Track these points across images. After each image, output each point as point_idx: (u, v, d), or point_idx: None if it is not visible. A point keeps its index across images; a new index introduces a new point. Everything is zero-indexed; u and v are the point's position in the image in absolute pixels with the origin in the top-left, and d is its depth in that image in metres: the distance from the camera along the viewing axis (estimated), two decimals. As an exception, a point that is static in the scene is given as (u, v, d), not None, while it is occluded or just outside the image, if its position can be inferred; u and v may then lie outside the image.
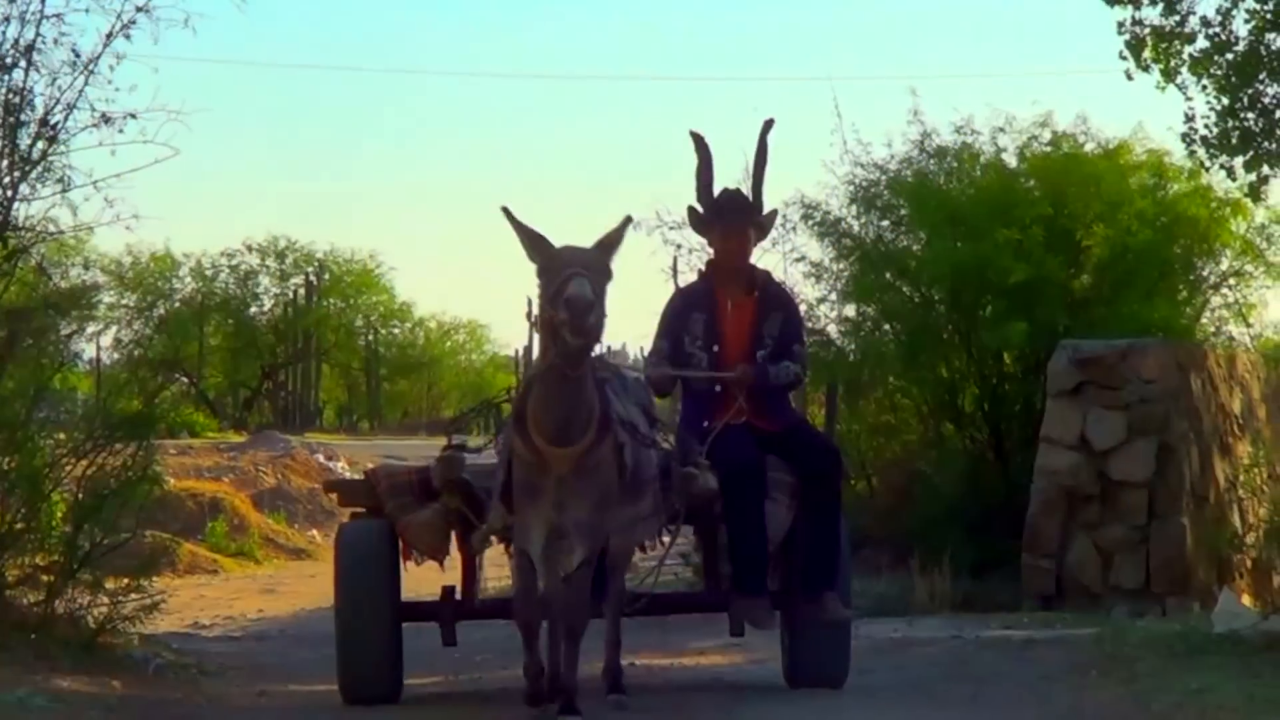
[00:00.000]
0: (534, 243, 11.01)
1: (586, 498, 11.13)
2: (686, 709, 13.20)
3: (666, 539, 13.34)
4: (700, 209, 13.18)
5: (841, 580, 12.91)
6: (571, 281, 10.45)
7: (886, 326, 23.46)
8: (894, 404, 24.28)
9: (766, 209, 13.40)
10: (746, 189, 13.51)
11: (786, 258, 23.91)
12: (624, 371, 13.06)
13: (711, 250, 13.63)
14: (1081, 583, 19.61)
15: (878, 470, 24.55)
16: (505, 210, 11.23)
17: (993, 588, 20.01)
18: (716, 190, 13.19)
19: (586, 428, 10.94)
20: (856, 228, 23.46)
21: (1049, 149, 23.28)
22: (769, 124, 13.23)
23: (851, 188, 23.44)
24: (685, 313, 13.10)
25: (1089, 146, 23.34)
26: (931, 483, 22.66)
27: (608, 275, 11.02)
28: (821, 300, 24.13)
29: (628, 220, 11.29)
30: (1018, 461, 21.25)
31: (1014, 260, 21.66)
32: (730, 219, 12.98)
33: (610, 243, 11.14)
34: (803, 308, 22.87)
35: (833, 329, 24.14)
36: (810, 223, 23.46)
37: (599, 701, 12.17)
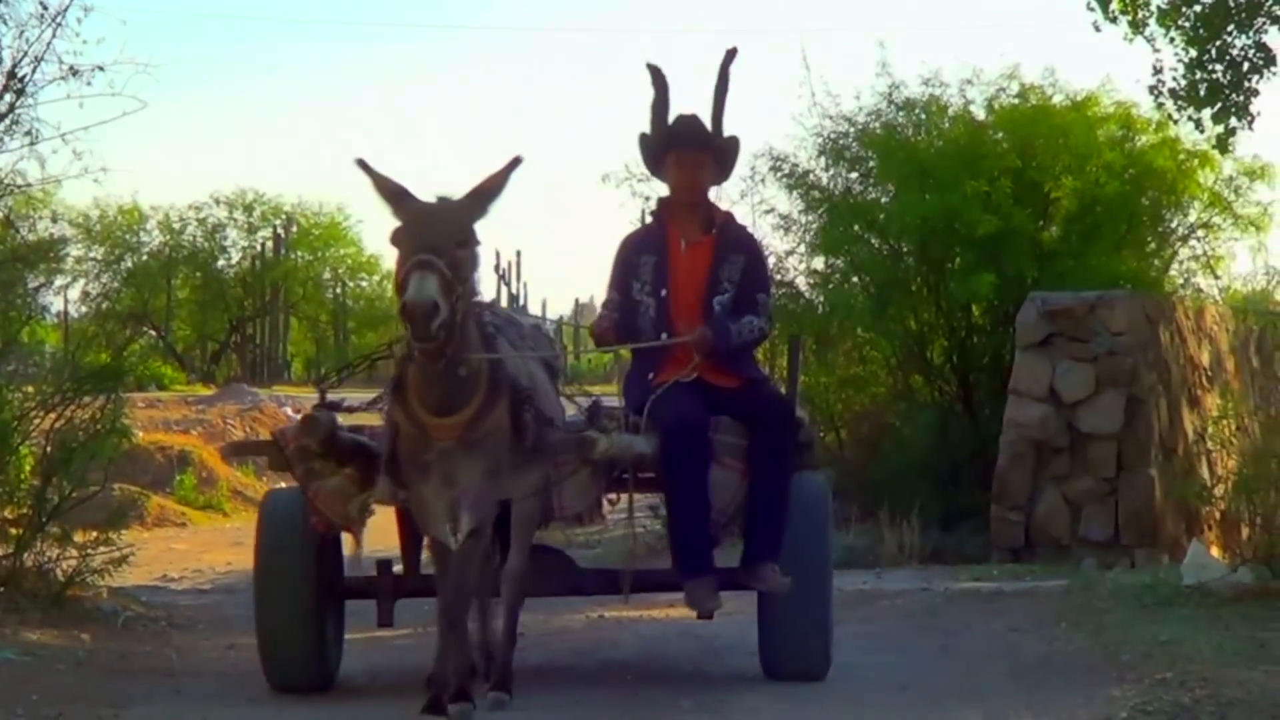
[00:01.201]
0: (392, 198, 9.77)
1: (478, 468, 10.02)
2: (655, 665, 12.91)
3: (624, 510, 12.18)
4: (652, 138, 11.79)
5: (809, 563, 11.49)
6: (410, 278, 9.31)
7: (855, 279, 23.45)
8: (863, 356, 24.31)
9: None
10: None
11: (755, 209, 23.92)
12: (518, 318, 11.77)
13: (666, 186, 12.00)
14: (1050, 535, 19.77)
15: (846, 423, 24.57)
16: (360, 162, 9.99)
17: (961, 540, 20.18)
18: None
19: (473, 394, 9.84)
20: (825, 180, 23.57)
21: (1017, 101, 23.41)
22: (731, 53, 11.71)
23: (820, 140, 23.49)
24: (634, 256, 11.75)
25: (1057, 99, 23.46)
26: (900, 435, 22.85)
27: (469, 243, 9.78)
28: (790, 253, 24.22)
29: (514, 162, 9.85)
30: (986, 414, 21.42)
31: (982, 212, 21.75)
32: (684, 144, 11.50)
33: (486, 191, 9.84)
34: (771, 260, 23.28)
35: (801, 281, 24.26)
36: (779, 175, 23.54)
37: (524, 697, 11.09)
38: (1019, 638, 14.50)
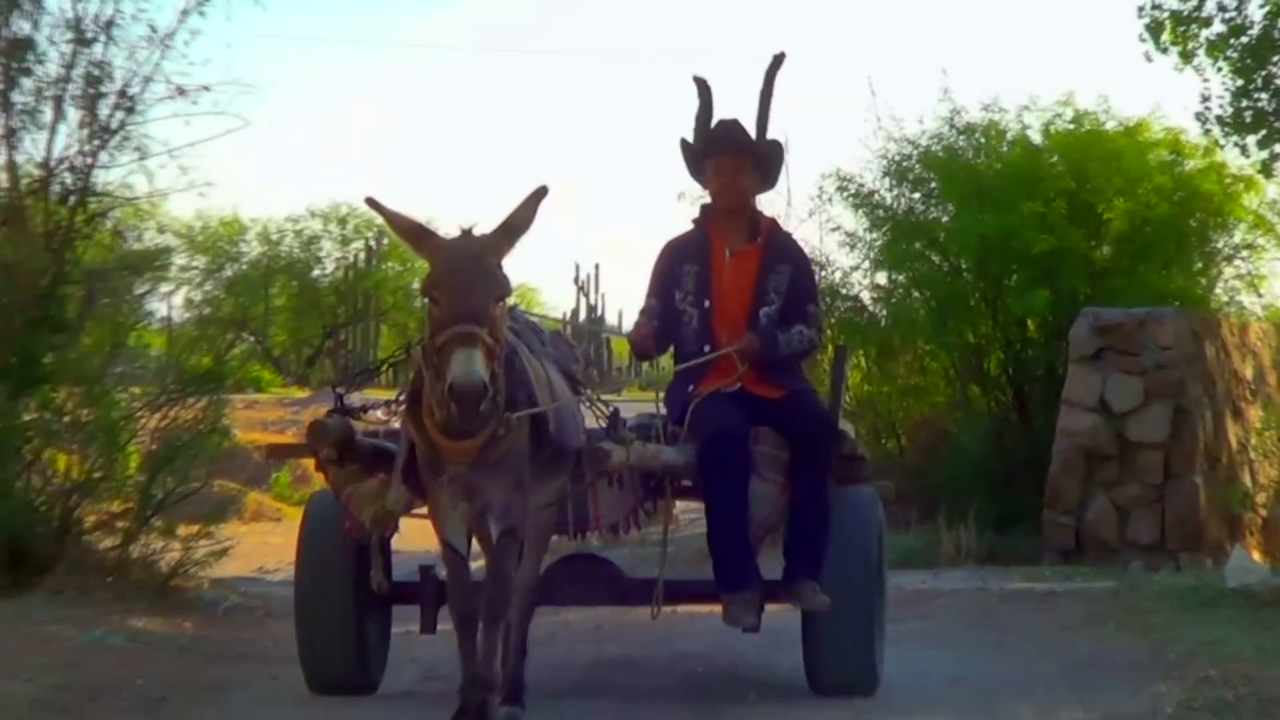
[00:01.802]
0: (413, 238, 8.74)
1: (498, 483, 8.90)
2: (723, 657, 12.37)
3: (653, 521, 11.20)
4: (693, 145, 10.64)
5: (857, 577, 10.38)
6: (455, 356, 8.19)
7: (916, 294, 23.41)
8: (923, 367, 24.18)
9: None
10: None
11: (823, 228, 24.09)
12: (539, 326, 10.44)
13: (707, 192, 10.81)
14: (1100, 538, 19.74)
15: (906, 430, 24.43)
16: (370, 201, 9.05)
17: (1015, 542, 20.09)
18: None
19: (490, 416, 8.51)
20: (889, 200, 23.48)
21: (1072, 126, 23.29)
22: (778, 58, 10.59)
23: (884, 162, 23.42)
24: (676, 265, 10.57)
25: (1110, 124, 23.36)
26: (958, 442, 22.69)
27: (506, 293, 8.64)
28: (855, 268, 24.15)
29: (540, 192, 8.66)
30: (1040, 422, 21.27)
31: (1038, 231, 21.74)
32: (723, 148, 10.35)
33: (513, 226, 8.61)
34: (837, 275, 24.37)
35: (865, 295, 24.15)
36: (845, 195, 23.47)
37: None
38: (1069, 635, 14.41)
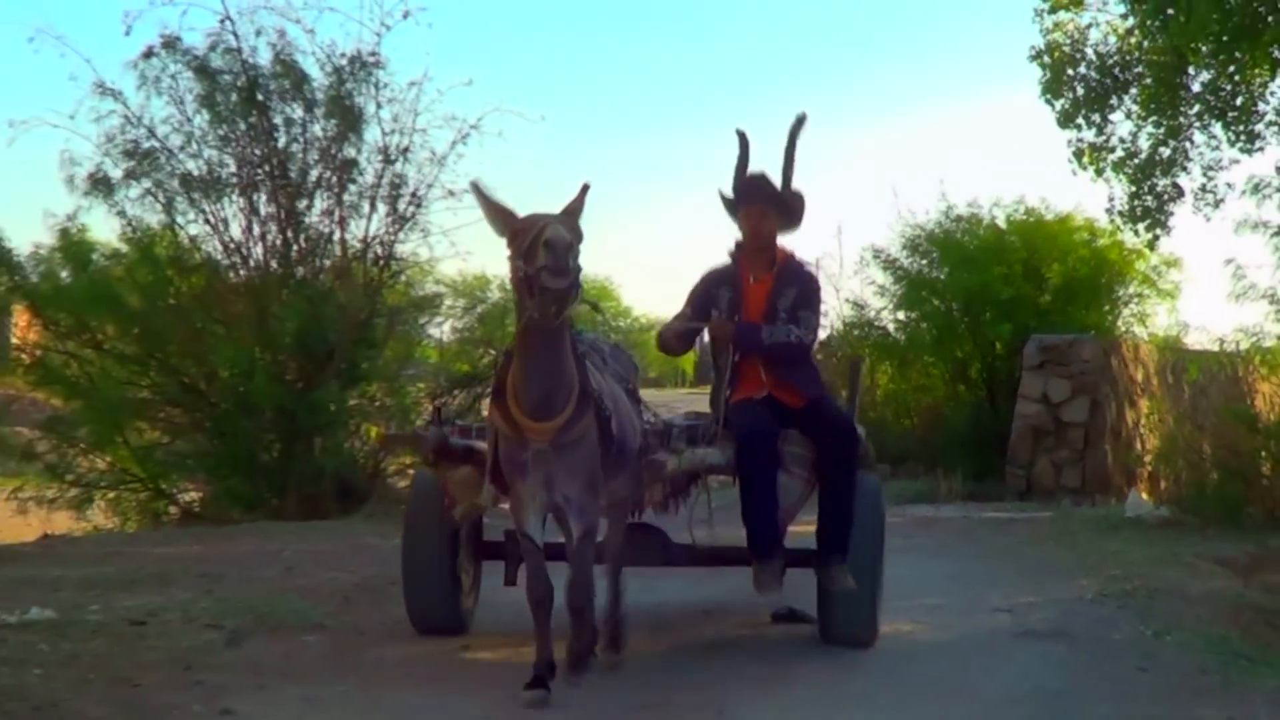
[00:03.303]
0: (501, 214, 7.27)
1: (574, 472, 7.43)
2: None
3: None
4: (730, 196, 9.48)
5: (862, 551, 8.96)
6: (549, 228, 6.87)
7: (924, 325, 23.23)
8: (928, 373, 24.08)
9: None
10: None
11: (864, 282, 24.05)
12: (600, 343, 8.94)
13: (741, 233, 9.51)
14: (1043, 485, 19.70)
15: (917, 414, 24.22)
16: (474, 185, 7.69)
17: (987, 487, 19.98)
18: None
19: (568, 401, 7.27)
20: (906, 264, 23.40)
21: (1024, 217, 23.34)
22: (800, 119, 9.33)
23: (903, 239, 23.27)
24: (713, 288, 9.31)
25: (1048, 215, 23.41)
26: (950, 421, 22.70)
27: (579, 235, 7.17)
28: (883, 309, 23.98)
29: (585, 188, 7.57)
30: (1004, 409, 20.96)
31: (1003, 285, 21.77)
32: (750, 199, 9.24)
33: (574, 210, 7.31)
34: (869, 313, 24.16)
35: (890, 326, 24.03)
36: (877, 260, 23.50)
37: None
38: (1023, 548, 14.52)
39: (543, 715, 7.27)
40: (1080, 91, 23.27)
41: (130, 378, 17.59)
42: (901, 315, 23.80)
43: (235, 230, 17.67)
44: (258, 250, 17.59)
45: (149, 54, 17.24)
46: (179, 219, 17.68)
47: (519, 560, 8.96)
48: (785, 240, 9.35)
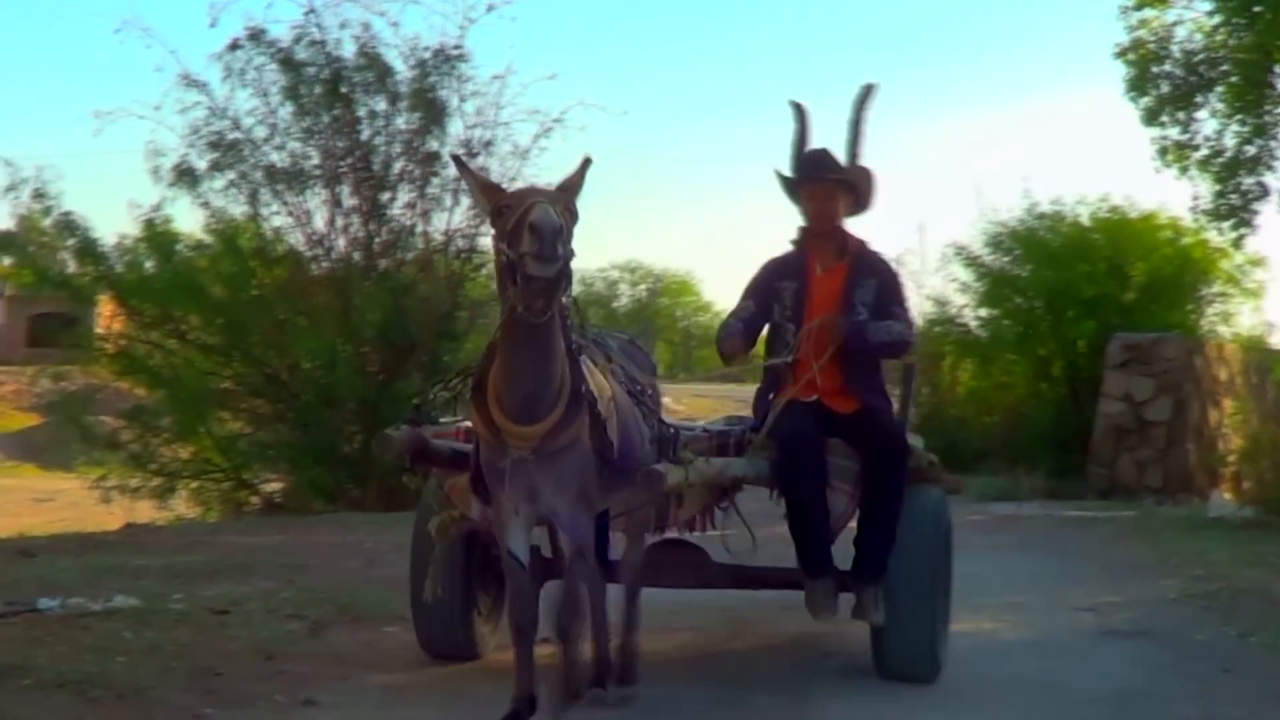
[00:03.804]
0: (485, 190, 6.30)
1: (563, 483, 6.33)
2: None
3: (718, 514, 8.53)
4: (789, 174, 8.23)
5: (920, 575, 7.76)
6: (535, 208, 5.82)
7: (1006, 322, 23.30)
8: (1009, 370, 23.87)
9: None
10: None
11: (946, 279, 24.19)
12: (607, 339, 7.56)
13: (803, 216, 8.21)
14: (1125, 484, 19.53)
15: (999, 411, 24.06)
16: (455, 158, 7.20)
17: (1069, 485, 19.79)
18: None
19: (555, 403, 6.15)
20: (988, 261, 23.40)
21: (1108, 215, 23.27)
22: (868, 89, 8.20)
23: (986, 236, 23.39)
24: (774, 280, 8.10)
25: (1132, 213, 23.41)
26: (1032, 419, 22.67)
27: (574, 215, 6.12)
28: (965, 305, 24.14)
29: (586, 162, 6.62)
30: (1086, 408, 20.95)
31: (1087, 283, 21.87)
32: (813, 177, 8.01)
33: (570, 185, 6.29)
34: (951, 310, 24.28)
35: (972, 323, 24.13)
36: (960, 258, 23.54)
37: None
38: (1105, 546, 14.38)
39: (617, 714, 7.04)
40: (1165, 89, 23.19)
41: (213, 368, 17.94)
42: (984, 312, 23.89)
43: (319, 222, 17.98)
44: (341, 242, 17.85)
45: (234, 46, 17.60)
46: (263, 211, 18.04)
47: (542, 579, 7.62)
48: (856, 226, 8.15)
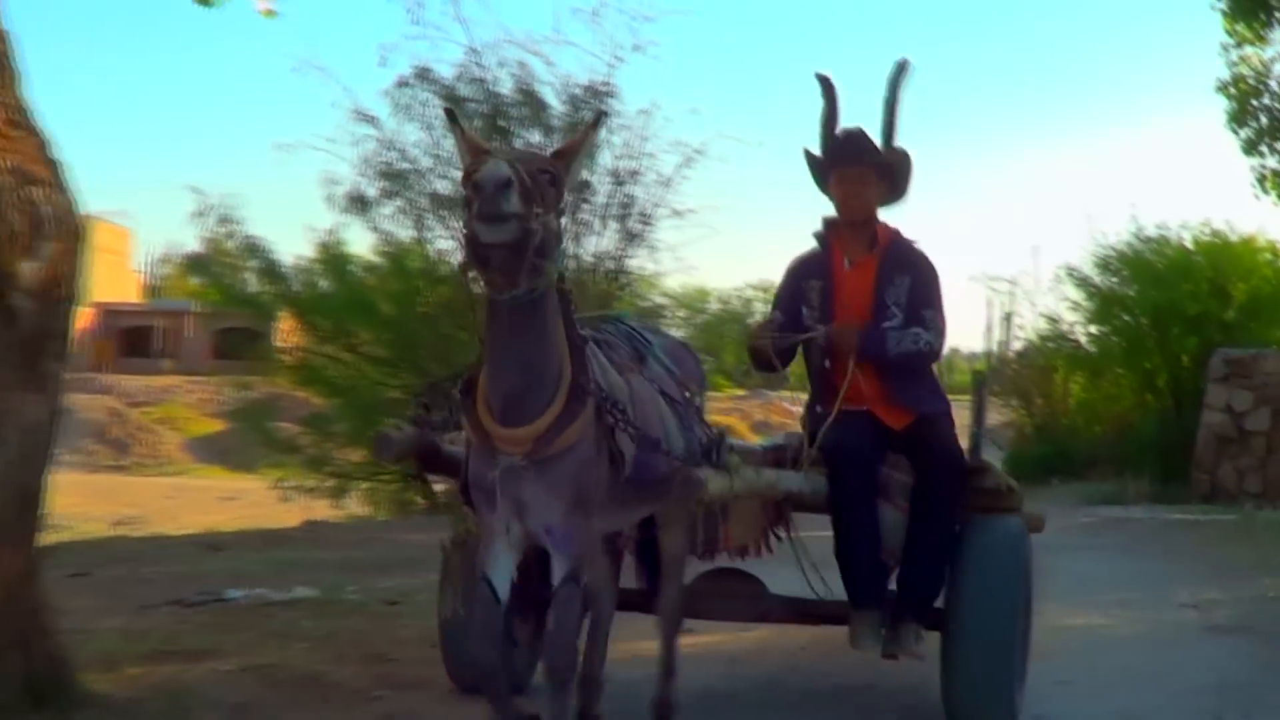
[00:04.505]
0: (468, 149, 4.91)
1: (557, 493, 4.98)
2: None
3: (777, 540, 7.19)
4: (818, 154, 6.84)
5: (994, 613, 6.30)
6: (486, 162, 4.56)
7: (1115, 339, 23.20)
8: (1117, 383, 23.88)
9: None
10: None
11: (1058, 300, 24.04)
12: (647, 335, 6.10)
13: (833, 204, 6.85)
14: (1226, 489, 19.27)
15: (1107, 421, 23.86)
16: (447, 111, 5.50)
17: (1173, 490, 19.64)
18: None
19: (550, 401, 4.88)
20: (1098, 281, 23.34)
21: (1211, 238, 23.04)
22: (902, 65, 6.69)
23: (1096, 259, 23.28)
24: (799, 280, 6.82)
25: (1233, 237, 23.11)
26: (1138, 428, 22.43)
27: (553, 178, 4.73)
28: (1075, 323, 23.98)
29: (598, 117, 5.96)
30: (1189, 418, 20.58)
31: (1190, 302, 21.62)
32: (847, 158, 6.65)
33: (567, 148, 5.00)
34: (1062, 327, 24.01)
35: (1083, 339, 24.03)
36: (1071, 278, 23.51)
37: None
38: (1207, 547, 14.24)
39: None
40: (1264, 121, 23.00)
41: (383, 378, 18.14)
42: (1093, 329, 23.83)
43: None
44: None
45: (403, 84, 17.75)
46: (428, 234, 18.21)
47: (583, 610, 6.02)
48: (892, 219, 6.87)
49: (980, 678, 6.27)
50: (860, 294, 6.60)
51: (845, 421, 6.43)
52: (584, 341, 5.07)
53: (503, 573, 5.06)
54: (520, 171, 4.48)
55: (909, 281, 6.55)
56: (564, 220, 4.77)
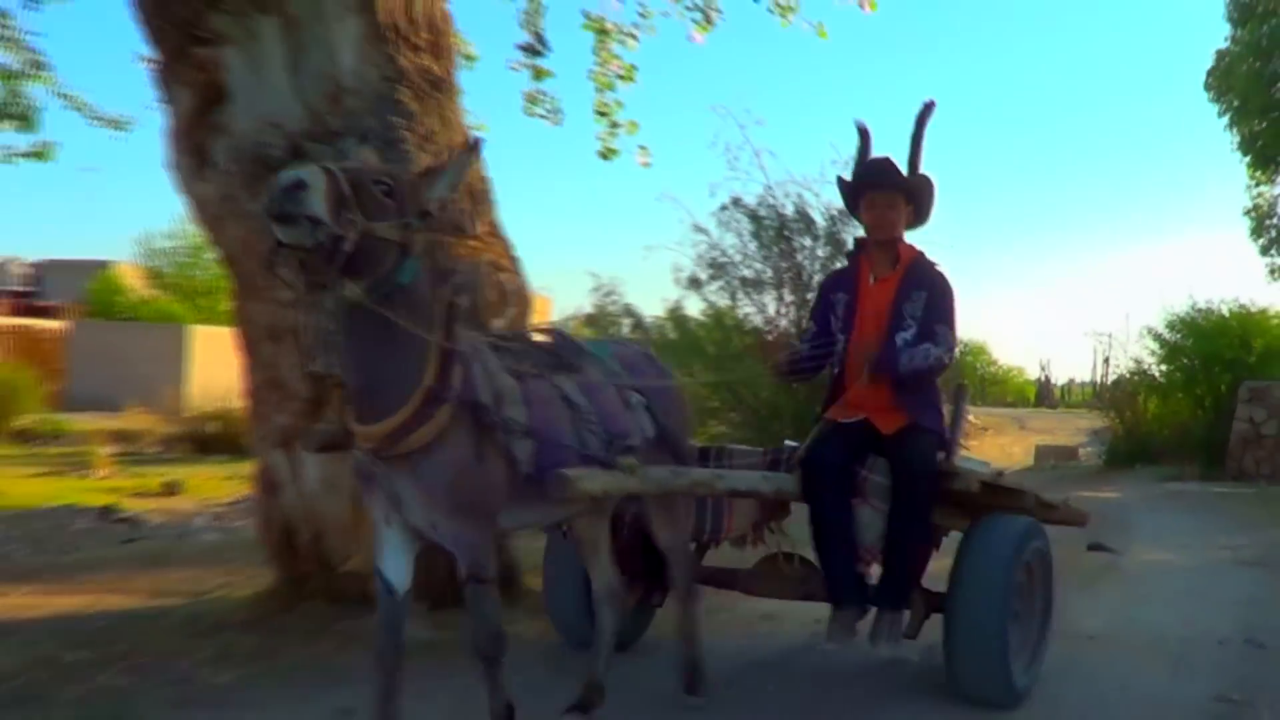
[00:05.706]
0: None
1: (431, 492, 4.49)
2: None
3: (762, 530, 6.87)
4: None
5: (973, 593, 6.09)
6: (289, 168, 4.11)
7: (1177, 374, 24.49)
8: (1179, 402, 24.75)
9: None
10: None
11: (1142, 348, 25.47)
12: (624, 346, 6.05)
13: (863, 226, 6.57)
14: (1247, 471, 20.89)
15: (1172, 428, 24.54)
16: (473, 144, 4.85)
17: (1214, 473, 21.16)
18: None
19: (400, 401, 4.38)
20: (1166, 336, 24.82)
21: (1239, 309, 24.54)
22: (929, 106, 6.31)
23: (1165, 321, 25.07)
24: (830, 293, 6.57)
25: (1254, 309, 24.67)
26: (1192, 433, 23.62)
27: (390, 190, 4.23)
28: (1152, 363, 25.26)
29: (474, 144, 4.83)
30: (1225, 426, 22.12)
31: (1226, 351, 23.46)
32: (874, 183, 6.38)
33: (432, 170, 4.55)
34: (1144, 365, 25.27)
35: (1157, 374, 25.10)
36: (1150, 334, 25.16)
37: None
38: (1236, 508, 15.22)
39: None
40: (1274, 234, 26.03)
41: (708, 394, 19.10)
42: (1164, 367, 25.07)
43: (770, 310, 19.22)
44: (783, 323, 18.79)
45: (724, 207, 19.35)
46: (739, 304, 19.45)
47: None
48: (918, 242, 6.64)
49: (973, 655, 6.05)
50: (880, 306, 6.34)
51: (833, 431, 6.25)
52: (472, 352, 4.68)
53: (393, 564, 4.72)
54: (337, 178, 4.08)
55: (926, 297, 6.30)
56: (418, 232, 4.35)
